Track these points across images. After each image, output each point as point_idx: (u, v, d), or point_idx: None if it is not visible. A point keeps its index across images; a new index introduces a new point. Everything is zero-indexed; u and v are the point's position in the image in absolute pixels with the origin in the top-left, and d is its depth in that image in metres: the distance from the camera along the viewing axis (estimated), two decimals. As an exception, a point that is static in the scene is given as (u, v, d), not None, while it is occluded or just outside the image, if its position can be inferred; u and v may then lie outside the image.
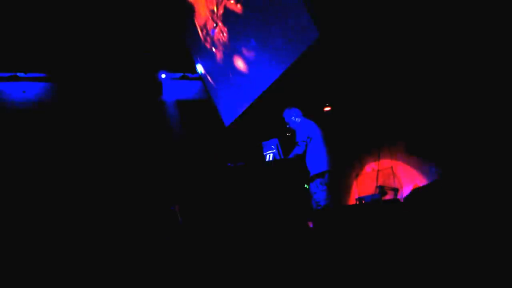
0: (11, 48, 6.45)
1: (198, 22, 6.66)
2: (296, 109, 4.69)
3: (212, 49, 6.51)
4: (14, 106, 6.77)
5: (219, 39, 6.26)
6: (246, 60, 5.74)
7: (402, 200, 4.30)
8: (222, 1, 5.84)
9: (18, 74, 6.84)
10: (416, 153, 5.45)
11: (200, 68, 7.31)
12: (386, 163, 5.90)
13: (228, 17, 5.83)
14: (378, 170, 5.90)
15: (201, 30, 6.63)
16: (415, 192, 2.23)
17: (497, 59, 3.90)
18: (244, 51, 5.71)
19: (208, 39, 6.52)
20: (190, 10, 6.73)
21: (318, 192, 4.30)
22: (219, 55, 6.39)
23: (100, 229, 5.62)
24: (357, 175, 6.43)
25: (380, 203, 4.54)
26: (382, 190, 5.57)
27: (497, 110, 4.01)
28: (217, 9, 6.04)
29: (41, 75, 6.99)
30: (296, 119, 4.62)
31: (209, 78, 7.09)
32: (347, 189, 6.61)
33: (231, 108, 6.61)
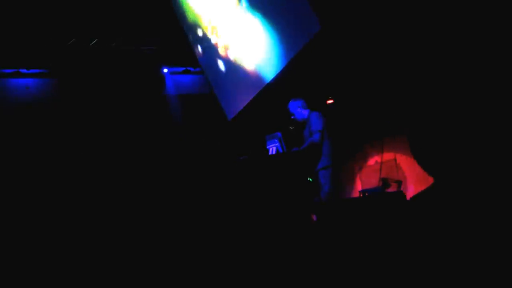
0: (14, 44, 6.46)
1: (201, 16, 6.64)
2: (302, 100, 4.69)
3: (214, 43, 6.50)
4: (18, 102, 6.80)
5: (221, 34, 6.25)
6: (248, 54, 5.73)
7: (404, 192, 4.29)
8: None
9: (21, 70, 6.86)
10: (419, 145, 5.43)
11: (202, 62, 7.30)
12: (389, 155, 5.89)
13: (230, 11, 5.81)
14: (381, 163, 5.89)
15: (204, 24, 6.61)
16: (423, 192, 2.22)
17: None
18: (246, 45, 5.69)
19: (211, 33, 6.50)
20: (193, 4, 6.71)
21: (328, 184, 4.34)
22: (221, 49, 6.38)
23: (103, 222, 5.65)
24: (360, 168, 6.43)
25: (383, 196, 4.54)
26: (385, 182, 5.57)
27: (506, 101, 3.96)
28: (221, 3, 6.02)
29: (44, 71, 7.01)
30: (303, 110, 4.62)
31: (211, 72, 7.08)
32: (350, 182, 6.61)
33: (233, 102, 6.60)
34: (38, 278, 3.82)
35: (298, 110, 4.62)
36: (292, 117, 4.66)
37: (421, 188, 4.97)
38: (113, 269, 3.56)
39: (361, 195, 5.68)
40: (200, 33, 6.81)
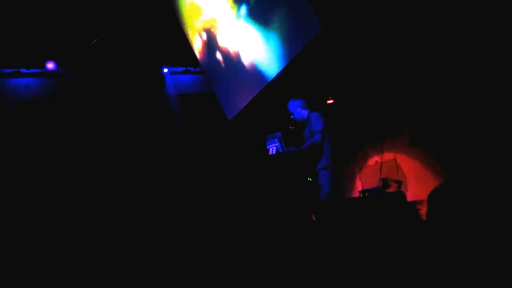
0: (14, 44, 6.47)
1: (200, 16, 6.64)
2: (302, 100, 4.69)
3: (214, 43, 6.50)
4: (18, 101, 6.80)
5: (221, 33, 6.25)
6: (248, 54, 5.73)
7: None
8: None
9: (21, 70, 6.86)
10: (419, 145, 5.45)
11: (201, 62, 7.31)
12: (389, 155, 5.90)
13: (230, 10, 5.81)
14: (381, 163, 5.90)
15: (204, 24, 6.61)
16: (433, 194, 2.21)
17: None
18: (246, 44, 5.69)
19: (211, 32, 6.50)
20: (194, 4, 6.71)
21: (328, 184, 4.34)
22: (221, 49, 6.38)
23: (103, 221, 5.65)
24: (360, 168, 6.43)
25: (383, 196, 4.54)
26: (385, 182, 5.57)
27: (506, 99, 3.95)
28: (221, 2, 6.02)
29: (44, 71, 7.01)
30: (302, 110, 4.62)
31: (211, 71, 7.09)
32: (350, 182, 6.62)
33: (233, 101, 6.61)
34: (37, 277, 3.82)
35: (298, 110, 4.62)
36: (291, 116, 4.66)
37: (421, 188, 4.98)
38: (113, 269, 3.56)
39: (361, 195, 5.69)
40: (200, 32, 6.81)
